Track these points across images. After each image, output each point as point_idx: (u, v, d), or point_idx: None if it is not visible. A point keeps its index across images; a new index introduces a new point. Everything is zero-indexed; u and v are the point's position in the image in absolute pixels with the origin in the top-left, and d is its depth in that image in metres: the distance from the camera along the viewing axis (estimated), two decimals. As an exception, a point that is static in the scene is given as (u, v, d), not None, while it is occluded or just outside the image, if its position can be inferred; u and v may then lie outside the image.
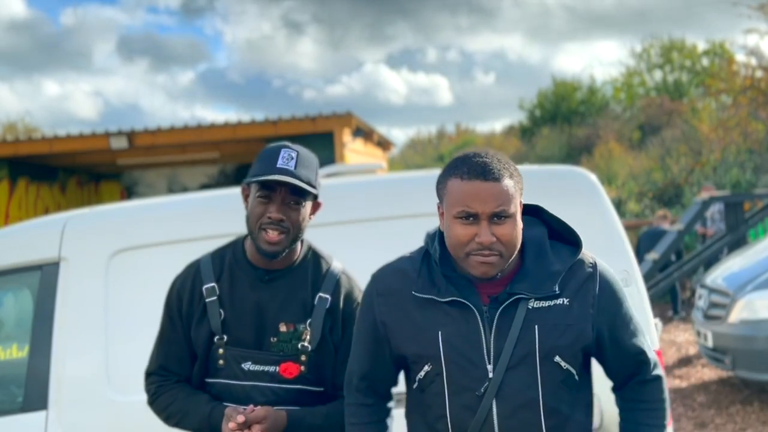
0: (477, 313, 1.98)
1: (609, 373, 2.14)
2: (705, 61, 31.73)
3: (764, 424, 6.28)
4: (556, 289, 1.99)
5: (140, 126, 12.52)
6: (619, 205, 16.46)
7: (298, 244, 2.39)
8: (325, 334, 2.35)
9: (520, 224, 1.98)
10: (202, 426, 2.34)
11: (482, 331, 1.97)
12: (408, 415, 2.17)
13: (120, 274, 3.32)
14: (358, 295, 2.43)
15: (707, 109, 22.64)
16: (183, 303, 2.40)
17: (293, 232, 2.30)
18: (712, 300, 7.03)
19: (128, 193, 16.08)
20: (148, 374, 2.49)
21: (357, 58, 77.64)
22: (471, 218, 1.92)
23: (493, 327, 1.97)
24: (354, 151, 12.93)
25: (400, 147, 34.49)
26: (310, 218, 2.38)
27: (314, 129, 12.01)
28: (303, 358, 2.33)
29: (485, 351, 1.97)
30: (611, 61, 65.99)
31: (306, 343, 2.33)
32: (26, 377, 3.26)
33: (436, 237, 2.08)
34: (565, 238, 2.09)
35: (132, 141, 12.19)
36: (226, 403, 2.31)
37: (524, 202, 2.05)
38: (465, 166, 1.95)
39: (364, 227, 3.50)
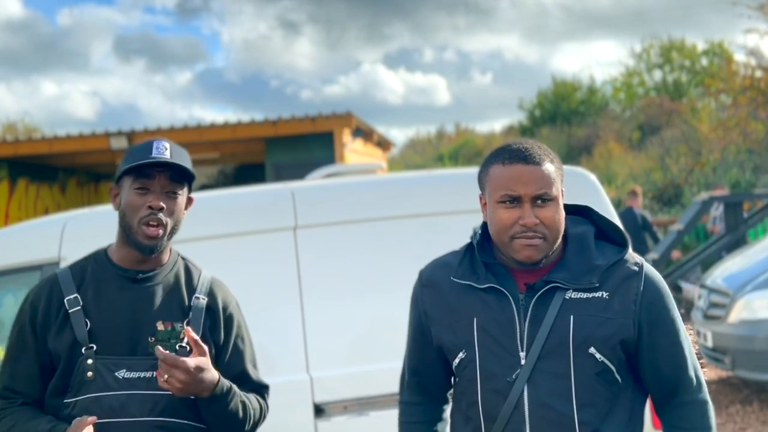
0: (512, 301, 1.98)
1: (647, 386, 2.07)
2: (704, 61, 31.74)
3: (764, 424, 6.29)
4: (596, 281, 1.97)
5: (138, 126, 12.55)
6: (618, 205, 16.45)
7: (168, 247, 2.30)
8: (205, 333, 2.25)
9: (562, 210, 1.99)
10: None
11: (516, 318, 1.97)
12: (451, 409, 2.17)
13: (120, 274, 3.32)
14: (233, 298, 2.39)
15: (707, 109, 22.66)
16: (38, 315, 2.23)
17: (171, 223, 2.22)
18: (712, 300, 7.03)
19: (128, 193, 16.06)
20: None
21: (354, 58, 77.58)
22: (514, 201, 1.94)
23: (528, 315, 1.97)
24: (354, 151, 12.93)
25: (399, 147, 34.49)
26: (184, 213, 2.30)
27: (314, 129, 12.02)
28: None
29: (518, 338, 1.97)
30: (608, 61, 66.08)
31: (184, 344, 2.20)
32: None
33: (480, 228, 2.11)
34: (613, 239, 2.09)
35: (132, 141, 12.19)
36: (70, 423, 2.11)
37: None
38: (506, 152, 1.99)
39: (364, 227, 3.50)
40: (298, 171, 7.69)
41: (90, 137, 12.42)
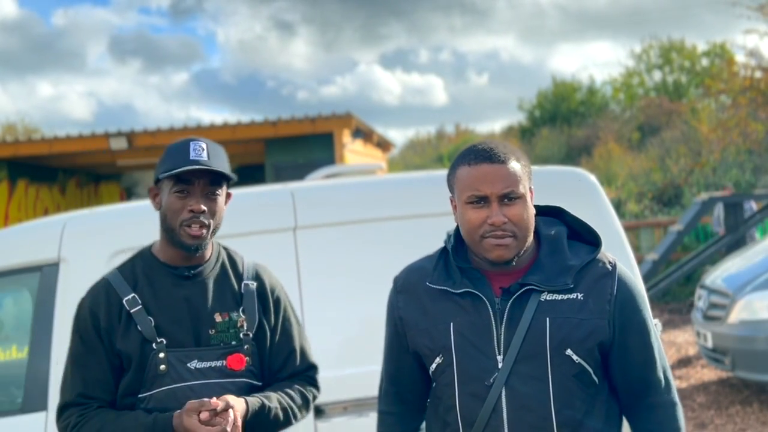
0: (488, 304, 1.99)
1: (616, 387, 2.07)
2: (705, 62, 31.75)
3: (764, 425, 6.28)
4: (570, 282, 1.98)
5: (135, 127, 12.55)
6: (618, 205, 16.45)
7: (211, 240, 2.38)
8: (261, 318, 2.34)
9: (531, 208, 2.00)
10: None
11: (493, 322, 1.98)
12: (426, 415, 2.17)
13: (120, 274, 3.31)
14: (278, 281, 2.47)
15: (707, 109, 22.64)
16: (100, 320, 2.26)
17: (214, 223, 2.27)
18: (712, 300, 7.03)
19: (128, 194, 16.08)
20: (64, 407, 2.28)
21: (351, 59, 77.44)
22: (481, 201, 1.95)
23: (504, 318, 1.97)
24: (353, 151, 12.94)
25: (398, 148, 34.48)
26: (224, 210, 2.36)
27: (314, 130, 12.03)
28: (247, 347, 2.30)
29: (495, 342, 1.97)
30: (605, 61, 65.92)
31: (245, 331, 2.30)
32: (26, 378, 3.26)
33: (454, 232, 2.12)
34: (586, 239, 2.09)
35: (131, 142, 12.20)
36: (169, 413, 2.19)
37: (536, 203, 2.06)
38: (471, 153, 2.00)
39: (364, 228, 3.50)
40: (298, 172, 7.70)
41: (90, 138, 12.42)
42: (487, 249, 1.96)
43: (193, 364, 2.25)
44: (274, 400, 2.30)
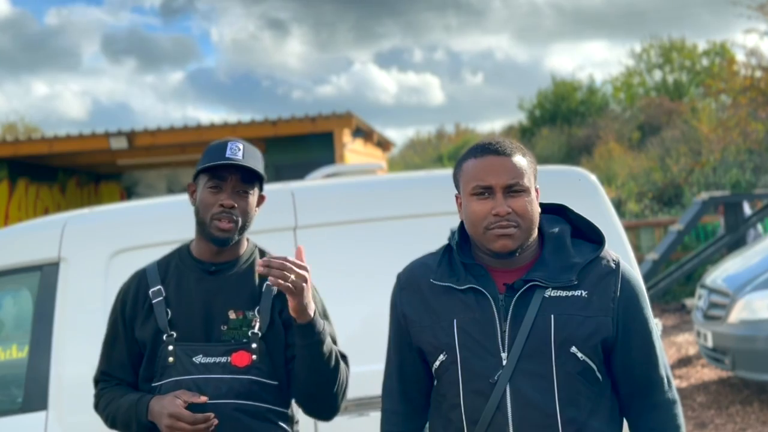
0: (492, 301, 1.98)
1: (617, 384, 2.07)
2: (705, 62, 31.73)
3: (764, 424, 6.28)
4: (574, 279, 1.98)
5: (131, 126, 12.56)
6: (618, 205, 16.45)
7: (245, 239, 2.46)
8: (275, 318, 2.37)
9: (535, 203, 2.01)
10: (130, 417, 2.33)
11: (497, 318, 1.97)
12: (429, 413, 2.16)
13: (120, 274, 3.29)
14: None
15: (707, 109, 22.63)
16: (126, 306, 2.42)
17: (243, 220, 2.36)
18: (712, 300, 7.03)
19: (128, 193, 16.08)
20: (95, 381, 2.53)
21: (346, 58, 77.18)
22: (486, 192, 1.97)
23: (509, 315, 1.97)
24: (354, 151, 12.94)
25: (398, 147, 34.47)
26: (256, 210, 2.44)
27: (314, 129, 12.02)
28: (254, 346, 2.33)
29: (499, 338, 1.97)
30: (601, 61, 65.73)
31: (256, 330, 2.34)
32: (26, 378, 3.26)
33: (458, 229, 2.13)
34: (589, 238, 2.10)
35: (132, 141, 12.20)
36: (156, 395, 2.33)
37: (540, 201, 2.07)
38: (478, 148, 2.04)
39: (364, 228, 3.50)
40: (298, 171, 7.69)
41: (90, 137, 12.41)
42: (492, 240, 1.96)
43: (199, 359, 2.32)
44: (330, 341, 2.34)
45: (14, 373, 3.37)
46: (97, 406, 2.48)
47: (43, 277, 3.35)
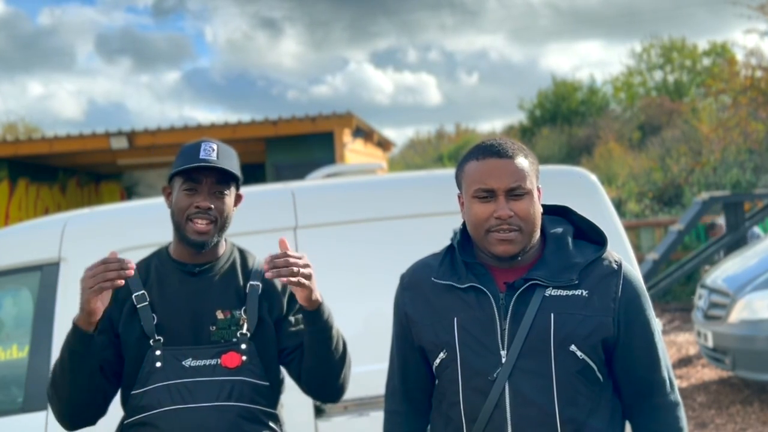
0: (492, 299, 1.99)
1: (619, 386, 2.07)
2: (705, 62, 31.73)
3: (764, 424, 6.28)
4: (575, 278, 1.98)
5: (128, 125, 12.58)
6: (619, 205, 16.44)
7: (223, 240, 2.42)
8: (263, 317, 2.35)
9: (537, 205, 2.01)
10: (62, 351, 2.19)
11: (497, 316, 1.98)
12: (431, 413, 2.16)
13: (120, 274, 3.31)
14: None
15: (707, 109, 22.63)
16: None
17: (220, 221, 2.32)
18: (712, 300, 7.03)
19: (128, 193, 16.08)
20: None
21: (341, 57, 76.88)
22: (488, 195, 1.97)
23: (509, 313, 1.97)
24: (354, 151, 12.93)
25: (398, 147, 34.48)
26: (233, 210, 2.41)
27: (314, 129, 12.03)
28: (243, 346, 2.31)
29: (499, 336, 1.97)
30: (598, 61, 65.57)
31: (244, 330, 2.32)
32: (26, 377, 3.26)
33: (460, 229, 2.13)
34: (592, 239, 2.10)
35: (132, 141, 12.20)
36: None
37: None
38: (480, 149, 2.03)
39: (364, 227, 3.50)
40: (299, 171, 7.70)
41: (90, 137, 12.42)
42: (493, 243, 1.96)
43: (188, 362, 2.28)
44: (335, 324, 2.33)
45: (14, 373, 3.37)
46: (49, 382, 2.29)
47: (44, 277, 3.35)
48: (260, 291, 2.37)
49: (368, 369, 3.25)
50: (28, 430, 3.19)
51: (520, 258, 2.00)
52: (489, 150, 2.00)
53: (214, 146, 2.35)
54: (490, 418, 1.95)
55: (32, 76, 71.20)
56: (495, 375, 1.95)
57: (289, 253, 2.15)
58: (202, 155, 2.31)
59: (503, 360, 1.95)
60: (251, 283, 2.39)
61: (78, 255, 3.37)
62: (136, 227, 3.48)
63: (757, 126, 16.44)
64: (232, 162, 2.37)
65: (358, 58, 77.44)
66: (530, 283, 1.98)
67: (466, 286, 2.01)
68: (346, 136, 12.17)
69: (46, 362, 3.24)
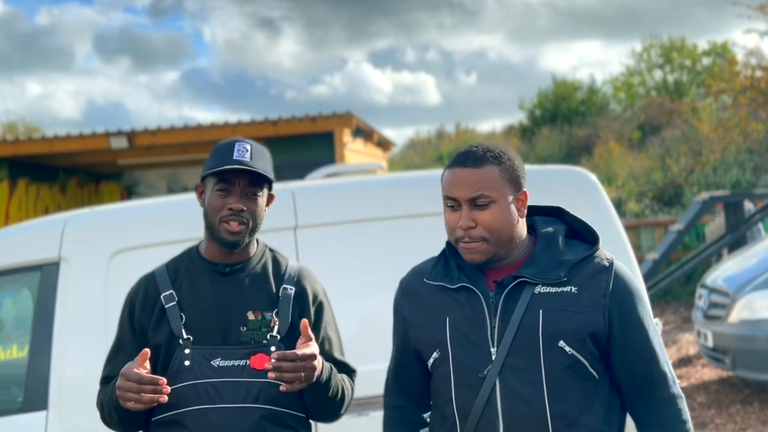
0: (482, 298, 2.02)
1: (619, 383, 2.07)
2: (705, 61, 31.72)
3: (764, 424, 6.28)
4: (563, 275, 2.00)
5: (127, 125, 12.58)
6: (619, 205, 16.44)
7: (255, 240, 2.42)
8: (294, 322, 2.34)
9: (508, 212, 2.01)
10: (111, 400, 2.27)
11: (487, 315, 2.01)
12: (430, 413, 2.21)
13: (120, 274, 3.31)
14: (321, 286, 2.49)
15: (707, 109, 22.62)
16: (135, 312, 2.36)
17: (253, 222, 2.33)
18: (712, 300, 7.03)
19: (128, 193, 16.08)
20: (99, 385, 2.47)
21: (340, 57, 76.61)
22: (455, 204, 2.03)
23: (498, 311, 2.00)
24: (354, 151, 12.93)
25: (398, 147, 34.48)
26: (266, 210, 2.41)
27: (314, 129, 12.02)
28: (273, 348, 2.29)
29: (489, 334, 2.00)
30: (596, 60, 65.44)
31: (275, 333, 2.31)
32: (26, 377, 3.27)
33: None
34: (586, 239, 2.12)
35: (132, 141, 12.19)
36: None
37: (531, 203, 2.09)
38: (453, 157, 2.07)
39: (364, 227, 3.50)
40: (299, 171, 7.69)
41: (90, 137, 12.41)
42: (462, 252, 2.03)
43: (217, 362, 2.28)
44: (336, 374, 2.36)
45: (14, 372, 3.37)
46: (98, 405, 2.42)
47: (44, 277, 3.35)
48: (293, 294, 2.38)
49: (368, 369, 3.25)
50: (28, 430, 3.19)
51: (504, 260, 2.04)
52: (457, 159, 2.04)
53: (248, 146, 2.35)
54: (482, 415, 1.98)
55: (31, 75, 71.08)
56: (485, 372, 1.98)
57: (299, 353, 2.14)
58: (235, 156, 2.30)
59: (493, 357, 1.98)
60: (285, 286, 2.38)
61: (78, 255, 3.37)
62: (136, 227, 3.48)
63: (757, 126, 16.44)
64: (265, 162, 2.37)
65: (357, 58, 77.30)
66: (519, 280, 2.01)
67: (457, 286, 2.06)
68: (346, 136, 12.17)
69: (46, 362, 3.25)
